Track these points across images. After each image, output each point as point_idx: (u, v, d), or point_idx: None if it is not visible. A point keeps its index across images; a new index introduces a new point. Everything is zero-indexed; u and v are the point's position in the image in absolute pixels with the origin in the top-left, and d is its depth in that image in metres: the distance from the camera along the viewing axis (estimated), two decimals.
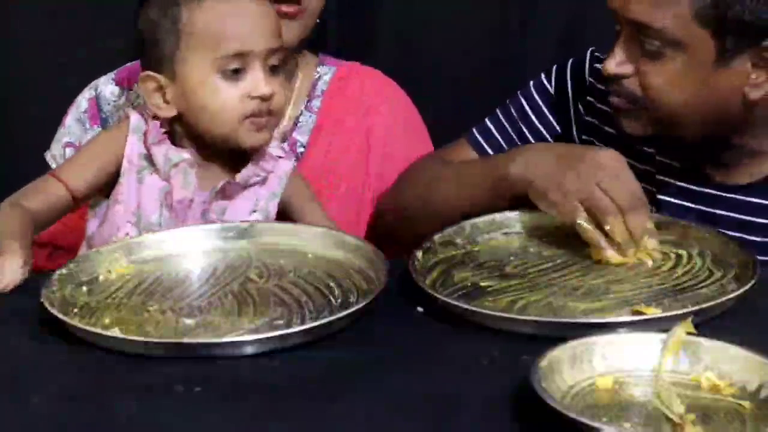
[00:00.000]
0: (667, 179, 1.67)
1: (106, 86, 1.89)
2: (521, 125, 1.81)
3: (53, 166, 1.84)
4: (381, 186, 1.87)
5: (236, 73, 1.56)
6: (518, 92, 1.84)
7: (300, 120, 1.89)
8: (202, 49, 1.56)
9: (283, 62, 1.62)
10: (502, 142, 1.81)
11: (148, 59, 1.62)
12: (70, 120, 1.87)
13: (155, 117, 1.61)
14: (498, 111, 1.84)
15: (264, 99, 1.57)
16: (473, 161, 1.78)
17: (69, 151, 1.84)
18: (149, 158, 1.60)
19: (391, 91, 1.92)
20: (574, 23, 2.06)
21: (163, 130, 1.61)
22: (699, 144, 1.62)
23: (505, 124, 1.82)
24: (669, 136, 1.61)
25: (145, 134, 1.61)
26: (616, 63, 1.57)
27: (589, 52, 1.80)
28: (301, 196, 1.68)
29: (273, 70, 1.59)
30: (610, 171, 1.46)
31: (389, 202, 1.83)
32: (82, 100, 1.88)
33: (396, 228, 1.79)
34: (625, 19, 1.54)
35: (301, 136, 1.87)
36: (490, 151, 1.81)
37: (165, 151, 1.60)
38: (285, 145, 1.73)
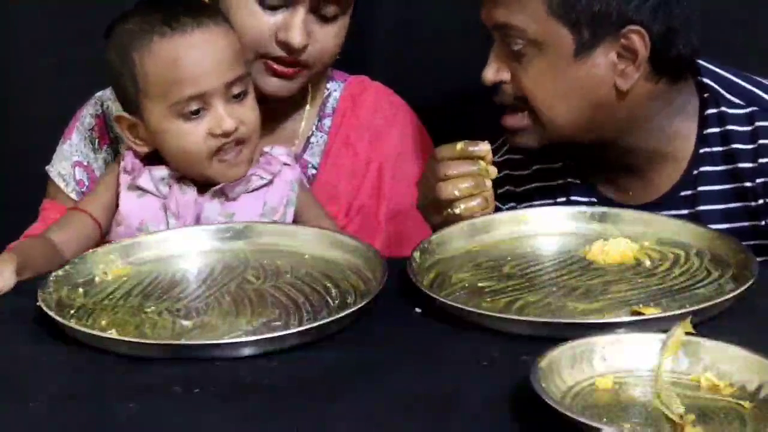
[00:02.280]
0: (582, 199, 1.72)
1: (114, 103, 1.83)
2: None
3: (61, 184, 1.82)
4: (393, 208, 1.85)
5: (196, 113, 1.56)
6: None
7: (311, 141, 1.85)
8: (158, 95, 1.56)
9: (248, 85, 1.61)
10: None
11: (118, 99, 1.63)
12: (76, 137, 1.83)
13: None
14: None
15: (228, 134, 1.56)
16: None
17: (79, 171, 1.82)
18: (143, 189, 1.61)
19: (400, 111, 1.89)
20: None
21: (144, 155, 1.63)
22: (598, 149, 1.66)
23: None
24: (565, 143, 1.65)
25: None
26: (493, 71, 1.62)
27: None
28: (308, 204, 1.68)
29: (238, 96, 1.58)
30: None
31: None
32: (87, 116, 1.85)
33: None
34: (491, 25, 1.60)
35: (312, 158, 1.84)
36: None
37: (150, 174, 1.60)
38: (291, 153, 1.71)
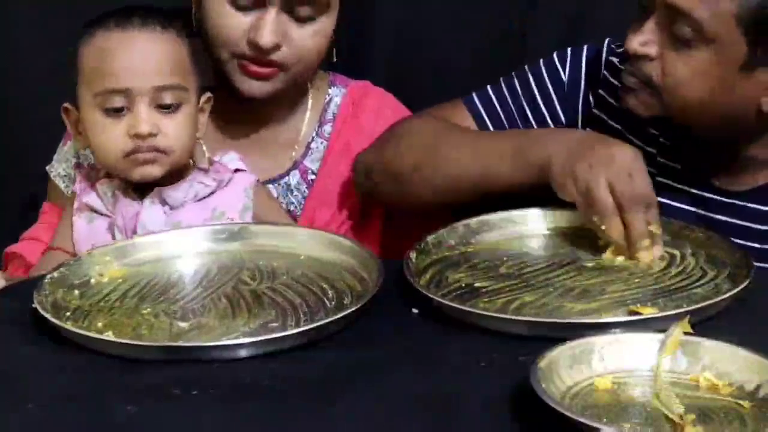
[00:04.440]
0: (667, 181, 1.65)
1: None
2: (524, 103, 1.76)
3: (61, 185, 1.82)
4: (392, 214, 1.85)
5: (119, 111, 1.55)
6: (526, 67, 1.79)
7: (311, 146, 1.85)
8: (87, 85, 1.56)
9: (182, 99, 1.58)
10: (502, 115, 1.76)
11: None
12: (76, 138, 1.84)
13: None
14: (502, 82, 1.79)
15: (141, 137, 1.54)
16: (491, 133, 1.73)
17: (78, 173, 1.82)
18: (92, 208, 1.61)
19: (401, 117, 1.86)
20: (574, 23, 2.05)
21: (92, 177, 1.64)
22: (705, 149, 1.61)
23: (508, 97, 1.77)
24: (676, 123, 1.59)
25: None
26: (640, 42, 1.53)
27: (606, 42, 1.75)
28: (266, 207, 1.69)
29: (170, 108, 1.56)
30: (621, 167, 1.44)
31: (379, 161, 1.74)
32: None
33: (387, 189, 1.73)
34: (659, 2, 1.50)
35: (311, 164, 1.83)
36: (487, 120, 1.76)
37: (98, 191, 1.60)
38: (243, 158, 1.70)
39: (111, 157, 1.57)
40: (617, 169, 1.44)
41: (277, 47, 1.68)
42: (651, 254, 1.45)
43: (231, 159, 1.67)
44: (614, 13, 1.96)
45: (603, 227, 1.44)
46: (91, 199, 1.61)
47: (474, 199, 1.61)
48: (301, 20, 1.69)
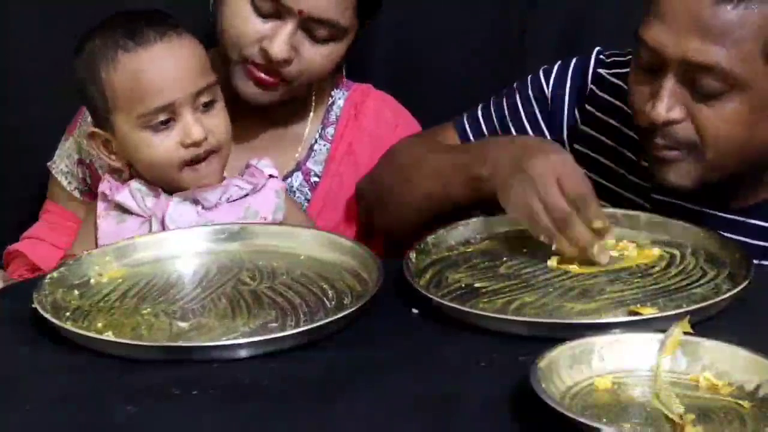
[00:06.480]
0: (663, 198, 1.62)
1: None
2: (509, 122, 1.75)
3: (63, 182, 1.82)
4: None
5: (166, 124, 1.55)
6: (514, 85, 1.77)
7: (314, 148, 1.85)
8: (125, 108, 1.55)
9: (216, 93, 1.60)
10: (487, 134, 1.76)
11: (91, 115, 1.63)
12: (78, 134, 1.82)
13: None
14: (491, 101, 1.78)
15: (197, 144, 1.56)
16: (451, 150, 1.70)
17: (81, 169, 1.81)
18: (122, 208, 1.61)
19: (402, 119, 1.88)
20: (574, 23, 2.05)
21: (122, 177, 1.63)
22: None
23: (494, 116, 1.76)
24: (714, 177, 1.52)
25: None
26: (665, 108, 1.45)
27: (594, 53, 1.72)
28: (293, 216, 1.68)
29: (207, 106, 1.58)
30: (543, 181, 1.42)
31: (368, 183, 1.78)
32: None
33: (373, 211, 1.76)
34: (676, 60, 1.43)
35: (315, 166, 1.84)
36: (473, 140, 1.75)
37: (133, 189, 1.60)
38: (276, 166, 1.70)
39: (168, 169, 1.57)
40: (542, 186, 1.42)
41: (287, 62, 1.68)
42: (606, 256, 1.43)
43: (265, 165, 1.67)
44: (614, 12, 1.97)
45: (554, 247, 1.43)
46: (123, 197, 1.60)
47: (442, 213, 1.60)
48: (317, 40, 1.70)
